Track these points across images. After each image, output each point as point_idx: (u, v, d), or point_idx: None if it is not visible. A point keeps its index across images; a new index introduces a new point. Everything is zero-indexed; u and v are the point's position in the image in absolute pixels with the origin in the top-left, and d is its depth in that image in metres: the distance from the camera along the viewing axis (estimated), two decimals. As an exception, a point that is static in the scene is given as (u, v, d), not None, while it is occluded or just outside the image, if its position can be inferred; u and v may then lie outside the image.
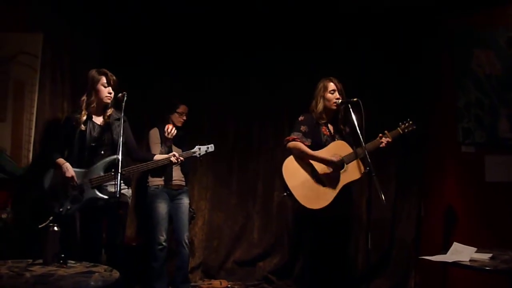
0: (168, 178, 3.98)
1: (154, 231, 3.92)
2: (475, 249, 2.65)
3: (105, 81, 3.25)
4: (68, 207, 3.07)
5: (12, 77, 3.61)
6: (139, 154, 3.53)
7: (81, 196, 3.12)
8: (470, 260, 2.53)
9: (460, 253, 2.64)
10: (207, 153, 3.58)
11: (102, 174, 3.16)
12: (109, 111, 3.33)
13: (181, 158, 3.46)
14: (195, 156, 3.53)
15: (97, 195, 3.14)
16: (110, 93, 3.25)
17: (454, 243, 2.76)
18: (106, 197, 3.13)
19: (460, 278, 3.53)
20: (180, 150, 3.98)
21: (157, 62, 4.67)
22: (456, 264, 2.54)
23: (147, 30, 4.61)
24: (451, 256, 2.66)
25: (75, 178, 3.12)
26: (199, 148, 3.54)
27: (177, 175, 4.02)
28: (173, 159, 3.42)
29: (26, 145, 3.55)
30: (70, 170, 3.11)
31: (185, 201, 4.06)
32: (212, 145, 3.60)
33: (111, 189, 3.17)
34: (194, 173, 4.63)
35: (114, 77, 3.29)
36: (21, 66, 3.62)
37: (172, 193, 4.02)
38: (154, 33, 4.64)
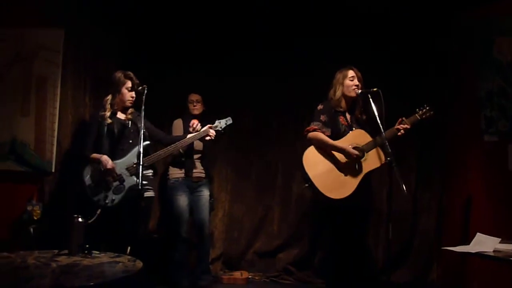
0: (189, 170, 4.01)
1: (175, 223, 3.96)
2: (499, 239, 2.60)
3: (130, 85, 3.41)
4: (113, 198, 3.22)
5: (34, 72, 3.70)
6: (170, 139, 3.66)
7: (123, 185, 3.25)
8: (494, 251, 2.49)
9: (484, 243, 2.59)
10: (228, 126, 3.75)
11: (136, 161, 3.26)
12: (130, 110, 3.48)
13: (214, 132, 3.62)
14: (218, 130, 3.67)
15: (137, 181, 3.22)
16: (132, 97, 3.42)
17: (477, 233, 2.72)
18: (145, 182, 3.21)
19: (483, 269, 3.48)
20: (201, 144, 4.00)
21: (178, 55, 4.70)
22: (479, 255, 2.49)
23: (168, 24, 4.64)
24: (474, 247, 2.61)
25: (116, 169, 3.25)
26: (219, 122, 3.71)
27: (197, 167, 4.05)
28: (211, 132, 3.60)
29: (49, 139, 3.64)
30: (110, 162, 3.25)
31: (205, 193, 4.09)
32: (229, 118, 3.76)
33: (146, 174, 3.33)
34: (213, 165, 4.66)
35: (138, 81, 3.41)
36: (43, 62, 3.70)
37: (192, 185, 4.05)
38: (175, 26, 4.66)
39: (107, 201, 3.20)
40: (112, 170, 3.23)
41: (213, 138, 3.65)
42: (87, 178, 3.27)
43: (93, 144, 3.38)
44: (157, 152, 3.43)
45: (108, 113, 3.37)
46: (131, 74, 3.43)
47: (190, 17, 4.61)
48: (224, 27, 4.68)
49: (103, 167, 3.24)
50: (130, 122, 3.43)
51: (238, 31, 4.69)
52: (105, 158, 3.26)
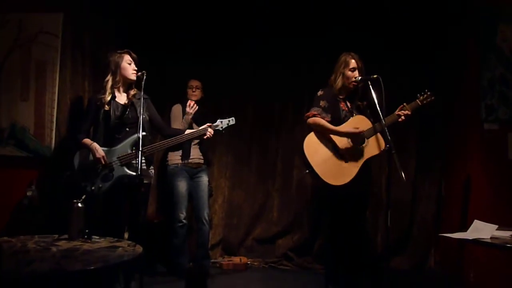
0: (186, 156, 4.02)
1: (174, 209, 3.98)
2: (496, 226, 2.60)
3: (129, 58, 3.34)
4: (100, 185, 3.16)
5: (33, 57, 3.67)
6: (169, 131, 3.61)
7: (111, 174, 3.20)
8: (491, 238, 2.50)
9: (481, 230, 2.60)
10: (229, 126, 3.63)
11: (129, 151, 3.24)
12: (132, 91, 3.39)
13: (212, 132, 3.51)
14: (218, 130, 3.58)
15: (127, 172, 3.22)
16: (135, 70, 3.33)
17: (475, 220, 2.72)
18: (135, 173, 3.16)
19: (481, 256, 3.50)
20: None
21: (179, 41, 4.71)
22: (476, 241, 2.50)
23: (169, 9, 4.61)
24: (471, 233, 2.62)
25: (105, 158, 3.19)
26: (221, 122, 3.60)
27: (195, 153, 4.05)
28: (209, 131, 3.49)
29: (48, 124, 3.63)
30: (99, 151, 3.18)
31: (204, 178, 4.10)
32: (233, 118, 3.65)
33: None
34: (214, 152, 4.67)
35: (135, 55, 3.37)
36: (42, 46, 3.67)
37: (191, 171, 4.06)
38: (176, 12, 4.64)
39: (93, 188, 3.14)
40: (101, 160, 3.17)
41: (210, 137, 3.55)
42: (77, 163, 3.23)
43: (88, 129, 3.34)
44: (154, 144, 3.37)
45: (108, 97, 3.27)
46: (127, 49, 3.38)
47: (195, 2, 4.59)
48: (226, 16, 4.67)
49: (92, 156, 3.19)
50: (130, 106, 3.34)
51: (240, 19, 4.68)
52: (94, 146, 3.19)
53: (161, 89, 4.33)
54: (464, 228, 2.82)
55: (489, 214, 3.23)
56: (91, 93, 3.94)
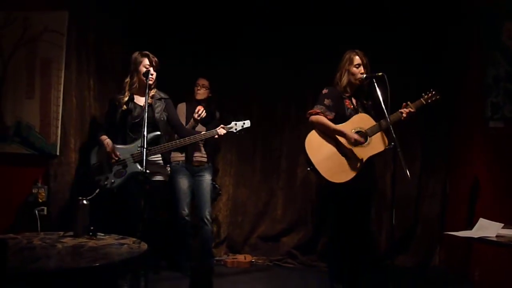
0: (190, 154, 4.02)
1: (177, 206, 3.99)
2: (501, 224, 2.59)
3: (147, 62, 3.35)
4: (112, 181, 3.24)
5: (39, 55, 3.70)
6: (186, 132, 3.58)
7: (124, 170, 3.26)
8: (496, 236, 2.49)
9: (486, 228, 2.59)
10: (243, 129, 3.52)
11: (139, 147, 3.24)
12: (152, 92, 3.41)
13: (223, 132, 3.45)
14: (232, 132, 3.49)
15: (139, 169, 3.24)
16: (152, 74, 3.31)
17: (480, 218, 2.72)
18: (148, 170, 3.12)
19: (486, 254, 3.49)
20: (204, 129, 3.99)
21: (182, 39, 4.72)
22: (482, 240, 2.49)
23: (173, 8, 4.61)
24: (477, 232, 2.61)
25: (116, 152, 3.26)
26: (235, 124, 3.51)
27: (198, 152, 4.05)
28: (220, 131, 3.43)
29: (54, 122, 3.65)
30: (110, 145, 3.27)
31: (207, 177, 4.07)
32: (248, 120, 3.53)
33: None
34: (218, 150, 4.67)
35: (156, 59, 3.37)
36: (47, 44, 3.69)
37: (192, 169, 4.05)
38: (180, 11, 4.63)
39: (106, 183, 3.22)
40: (112, 154, 3.24)
41: (221, 136, 3.47)
42: (93, 158, 3.34)
43: (107, 128, 3.40)
44: (163, 145, 3.34)
45: (125, 98, 3.34)
46: (147, 52, 3.37)
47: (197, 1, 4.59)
48: (226, 16, 4.68)
49: (104, 150, 3.28)
50: (148, 108, 3.26)
51: (240, 19, 4.68)
52: (107, 141, 3.29)
53: (161, 89, 4.33)
54: (469, 226, 2.81)
55: (494, 213, 3.22)
56: (96, 91, 3.96)
